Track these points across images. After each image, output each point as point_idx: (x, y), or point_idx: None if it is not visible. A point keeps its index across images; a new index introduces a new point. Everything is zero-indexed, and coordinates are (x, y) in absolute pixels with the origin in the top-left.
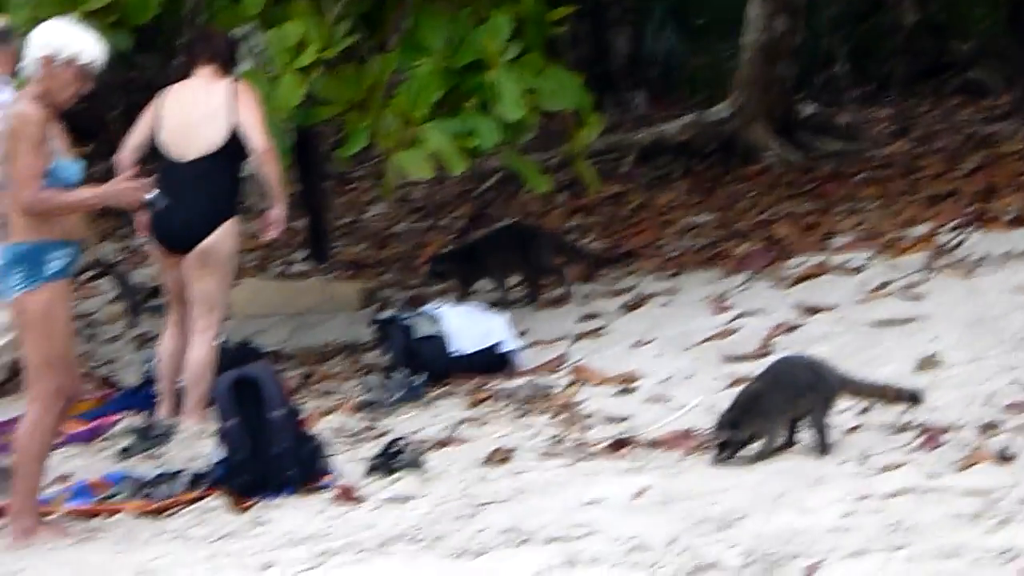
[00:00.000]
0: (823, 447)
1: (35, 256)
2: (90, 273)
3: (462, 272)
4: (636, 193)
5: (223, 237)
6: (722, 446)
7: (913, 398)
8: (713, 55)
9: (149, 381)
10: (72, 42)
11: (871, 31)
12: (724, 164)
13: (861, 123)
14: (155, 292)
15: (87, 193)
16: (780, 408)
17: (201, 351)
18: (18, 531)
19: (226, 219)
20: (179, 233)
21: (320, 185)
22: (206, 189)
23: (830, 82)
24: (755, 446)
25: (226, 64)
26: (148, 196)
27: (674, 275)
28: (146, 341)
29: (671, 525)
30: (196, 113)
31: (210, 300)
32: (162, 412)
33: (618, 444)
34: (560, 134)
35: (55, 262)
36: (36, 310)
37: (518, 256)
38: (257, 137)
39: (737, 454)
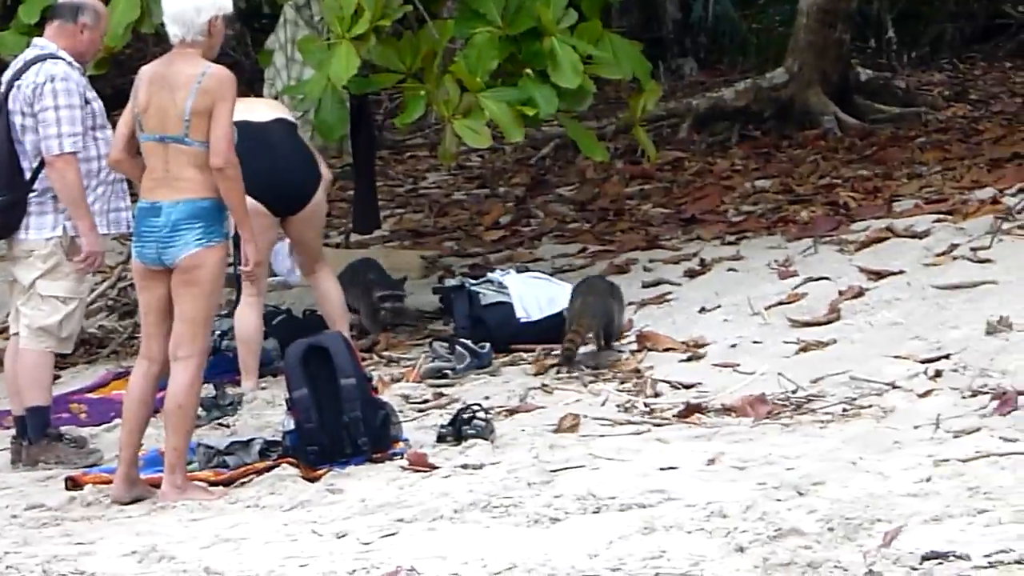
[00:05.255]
0: None
1: (216, 213)
2: None
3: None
4: (694, 159)
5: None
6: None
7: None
8: (763, 21)
9: (215, 350)
10: None
11: None
12: (781, 129)
13: (916, 87)
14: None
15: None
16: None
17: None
18: (172, 488)
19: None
20: (287, 192)
21: (372, 154)
22: (294, 142)
23: (881, 47)
24: None
25: None
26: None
27: (737, 241)
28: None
29: (747, 491)
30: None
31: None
32: (248, 384)
33: (688, 410)
34: (616, 101)
35: (227, 221)
36: (211, 267)
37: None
38: None
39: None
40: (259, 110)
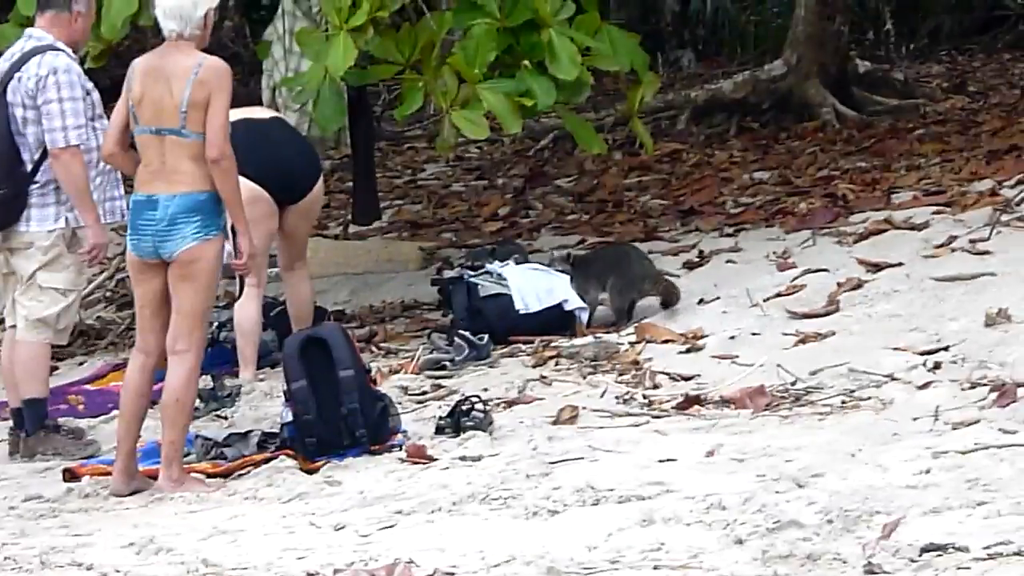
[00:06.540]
0: None
1: (214, 205)
2: None
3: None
4: (693, 151)
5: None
6: None
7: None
8: (761, 13)
9: (214, 341)
10: None
11: None
12: (779, 121)
13: (914, 79)
14: None
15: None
16: None
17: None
18: (168, 481)
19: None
20: (291, 179)
21: (371, 146)
22: (295, 136)
23: (879, 39)
24: None
25: None
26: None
27: (736, 232)
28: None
29: (746, 483)
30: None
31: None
32: (246, 375)
33: (687, 402)
34: (614, 93)
35: (224, 214)
36: (210, 260)
37: None
38: None
39: None
40: (258, 111)
